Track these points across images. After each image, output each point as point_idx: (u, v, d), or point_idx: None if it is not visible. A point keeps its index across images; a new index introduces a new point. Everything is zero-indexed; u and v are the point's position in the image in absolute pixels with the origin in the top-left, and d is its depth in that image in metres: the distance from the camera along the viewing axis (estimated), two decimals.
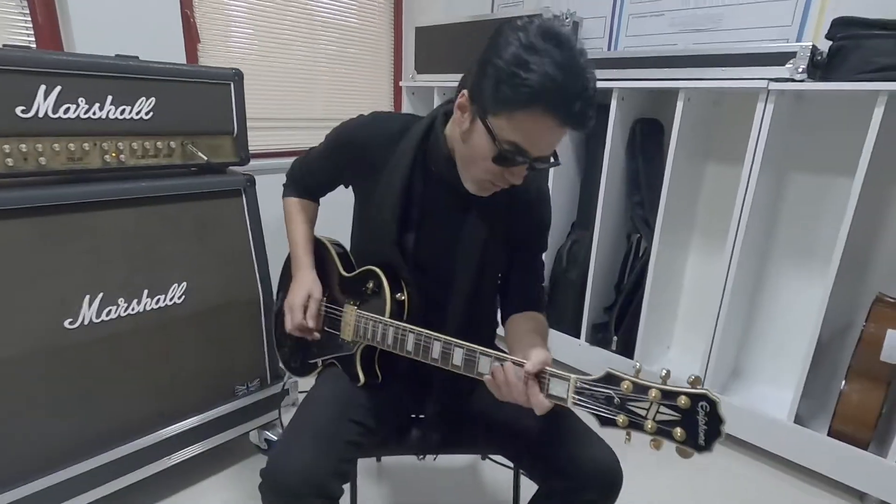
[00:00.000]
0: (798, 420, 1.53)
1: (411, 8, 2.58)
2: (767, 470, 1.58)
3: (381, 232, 0.93)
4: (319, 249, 1.08)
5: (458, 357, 0.79)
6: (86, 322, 1.17)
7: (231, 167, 1.44)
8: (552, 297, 2.09)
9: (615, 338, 1.91)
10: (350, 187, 1.02)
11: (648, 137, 1.87)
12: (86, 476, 1.18)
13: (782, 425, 1.53)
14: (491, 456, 1.57)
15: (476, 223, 0.90)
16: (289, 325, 0.99)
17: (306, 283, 1.00)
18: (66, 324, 1.14)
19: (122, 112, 1.19)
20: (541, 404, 0.69)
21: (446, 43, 2.23)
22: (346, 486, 0.86)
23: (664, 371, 0.63)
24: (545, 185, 0.98)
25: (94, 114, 1.15)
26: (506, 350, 0.86)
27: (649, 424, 0.62)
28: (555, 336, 2.04)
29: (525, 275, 0.98)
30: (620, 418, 0.64)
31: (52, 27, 1.55)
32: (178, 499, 1.38)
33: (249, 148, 1.45)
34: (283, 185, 1.14)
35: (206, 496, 1.39)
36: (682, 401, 0.60)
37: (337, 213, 1.17)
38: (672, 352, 2.06)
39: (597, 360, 1.91)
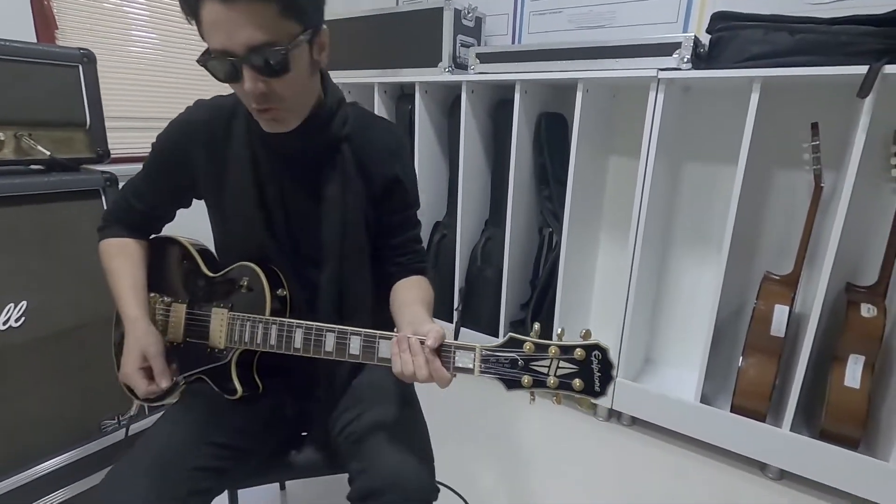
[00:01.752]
0: (704, 399, 1.57)
1: None
2: (677, 451, 1.61)
3: (245, 223, 0.83)
4: (174, 249, 0.93)
5: (355, 345, 0.72)
6: None
7: (86, 165, 1.24)
8: (469, 298, 2.03)
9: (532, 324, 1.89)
10: (195, 194, 0.89)
11: (553, 131, 1.88)
12: None
13: (689, 406, 1.57)
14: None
15: (332, 184, 0.83)
16: (140, 395, 0.83)
17: (137, 341, 0.81)
18: None
19: None
20: (443, 377, 0.66)
21: (348, 37, 2.13)
22: None
23: (560, 329, 0.66)
24: (397, 135, 0.89)
25: None
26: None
27: (552, 380, 0.64)
28: (473, 336, 1.99)
29: (398, 233, 0.90)
30: (525, 378, 0.65)
31: None
32: None
33: (113, 152, 1.27)
34: (99, 228, 0.93)
35: None
36: (578, 353, 0.63)
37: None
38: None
39: None
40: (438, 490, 0.76)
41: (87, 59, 1.17)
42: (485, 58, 1.82)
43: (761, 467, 1.53)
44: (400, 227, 0.90)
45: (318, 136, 0.80)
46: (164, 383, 0.81)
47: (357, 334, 0.72)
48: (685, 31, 1.71)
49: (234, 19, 0.63)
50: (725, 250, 1.46)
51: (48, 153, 1.13)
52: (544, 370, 0.65)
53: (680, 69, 1.42)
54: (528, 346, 0.65)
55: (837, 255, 1.31)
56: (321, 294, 0.84)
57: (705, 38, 1.48)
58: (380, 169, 0.85)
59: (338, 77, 2.19)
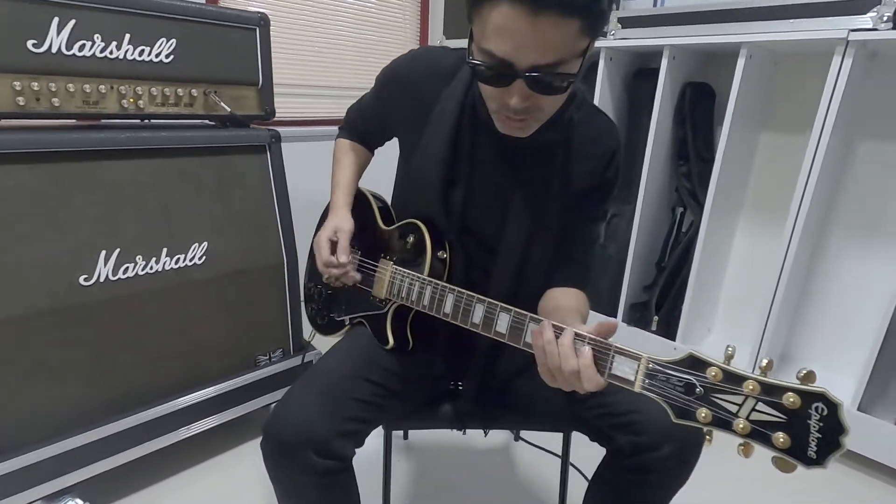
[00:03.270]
0: (862, 407, 1.40)
1: None
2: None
3: (424, 186, 0.83)
4: (358, 199, 0.98)
5: (503, 323, 0.68)
6: (101, 279, 1.09)
7: (254, 122, 1.35)
8: None
9: (655, 318, 1.80)
10: (396, 138, 0.93)
11: (699, 103, 1.73)
12: (98, 444, 1.11)
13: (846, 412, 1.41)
14: (524, 437, 1.48)
15: (530, 180, 0.79)
16: (319, 264, 0.88)
17: (335, 220, 0.90)
18: (80, 280, 1.06)
19: (141, 53, 1.10)
20: (591, 378, 0.56)
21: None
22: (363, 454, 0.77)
23: (765, 360, 0.49)
24: (616, 140, 0.82)
25: (110, 53, 1.06)
26: None
27: (741, 424, 0.49)
28: (590, 316, 1.93)
29: (576, 244, 0.84)
30: (702, 412, 0.51)
31: None
32: (196, 472, 1.31)
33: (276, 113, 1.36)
34: (339, 127, 1.04)
35: (226, 469, 1.32)
36: (790, 399, 0.47)
37: (379, 172, 1.07)
38: (713, 335, 1.94)
39: (635, 342, 1.79)
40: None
41: (264, 21, 1.26)
42: (627, 22, 1.71)
43: None
44: (581, 237, 0.85)
45: (543, 132, 0.73)
46: (343, 258, 0.84)
47: (507, 311, 0.68)
48: None
49: (533, 33, 0.57)
50: None
51: (229, 109, 1.24)
52: (732, 408, 0.50)
53: (878, 30, 1.23)
54: (713, 373, 0.51)
55: None
56: (492, 284, 0.82)
57: None
58: (587, 175, 0.80)
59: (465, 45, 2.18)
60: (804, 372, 0.47)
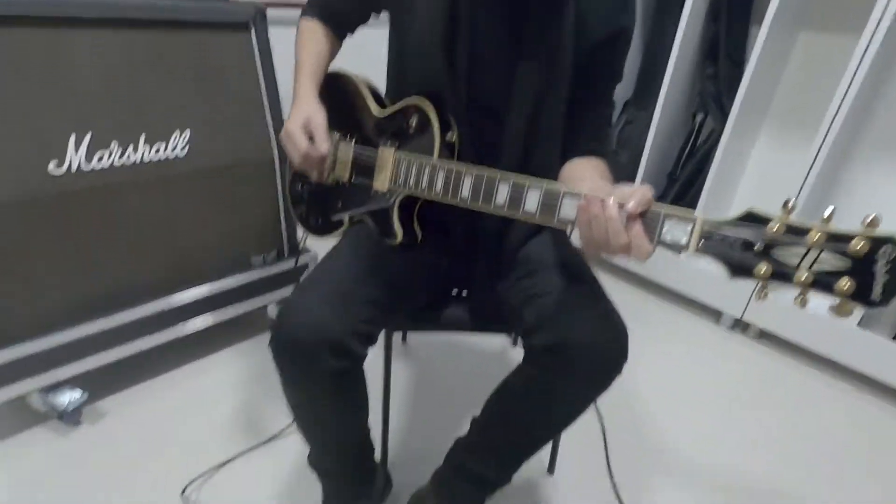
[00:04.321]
0: (863, 323, 1.41)
1: None
2: (824, 378, 1.48)
3: (425, 52, 0.73)
4: (344, 83, 0.86)
5: (532, 201, 0.62)
6: (74, 168, 0.99)
7: None
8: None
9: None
10: (382, 11, 0.81)
11: None
12: (93, 338, 1.09)
13: (843, 328, 1.42)
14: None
15: (538, 31, 0.70)
16: (295, 158, 0.78)
17: (304, 106, 0.79)
18: (51, 168, 0.97)
19: None
20: (644, 248, 0.53)
21: None
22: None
23: (828, 210, 0.48)
24: None
25: None
26: None
27: (802, 275, 0.48)
28: None
29: (592, 108, 0.77)
30: (761, 268, 0.49)
31: None
32: (193, 367, 1.31)
33: None
34: (303, 7, 0.89)
35: (222, 366, 1.33)
36: (858, 245, 0.46)
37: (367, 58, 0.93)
38: None
39: None
40: (627, 357, 0.68)
41: None
42: None
43: None
44: (597, 99, 0.77)
45: None
46: (324, 147, 0.77)
47: (537, 188, 0.61)
48: None
49: None
50: None
51: None
52: (794, 260, 0.49)
53: None
54: (775, 227, 0.49)
55: None
56: (502, 158, 0.74)
57: None
58: (601, 23, 0.70)
59: None
60: (870, 217, 0.46)
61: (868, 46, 1.24)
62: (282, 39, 1.15)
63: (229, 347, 1.39)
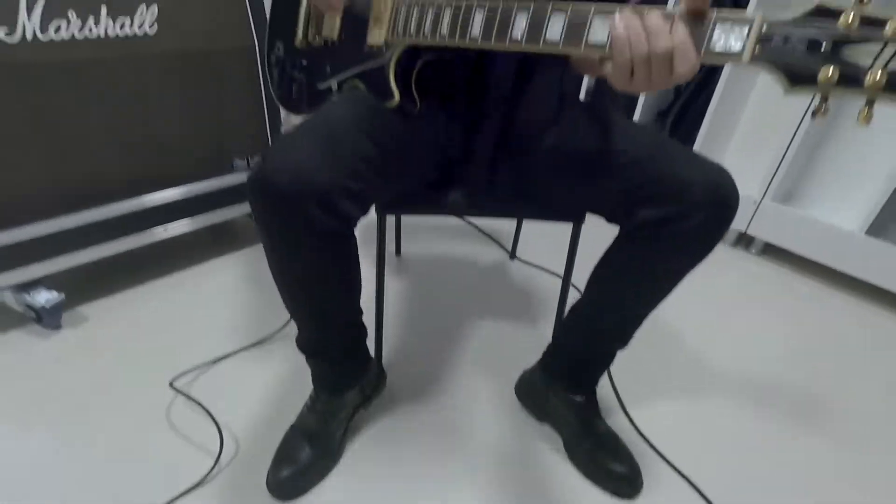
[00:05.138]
0: (872, 231, 1.36)
1: None
2: (832, 292, 1.44)
3: None
4: None
5: (556, 26, 0.53)
6: (29, 36, 0.89)
7: None
8: (598, 97, 1.80)
9: None
10: None
11: None
12: (64, 235, 1.02)
13: (850, 236, 1.37)
14: (520, 256, 1.43)
15: None
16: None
17: None
18: (1, 35, 0.87)
19: None
20: (689, 54, 0.46)
21: None
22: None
23: None
24: None
25: None
26: None
27: (876, 76, 0.40)
28: None
29: None
30: (827, 71, 0.42)
31: None
32: (178, 277, 1.25)
33: None
34: None
35: (209, 276, 1.27)
36: None
37: None
38: (727, 163, 1.83)
39: None
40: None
41: None
42: None
43: None
44: None
45: None
46: None
47: (562, 10, 0.52)
48: None
49: None
50: None
51: None
52: (866, 60, 0.42)
53: None
54: (848, 19, 0.41)
55: None
56: None
57: None
58: None
59: None
60: None
61: None
62: None
63: (215, 258, 1.33)
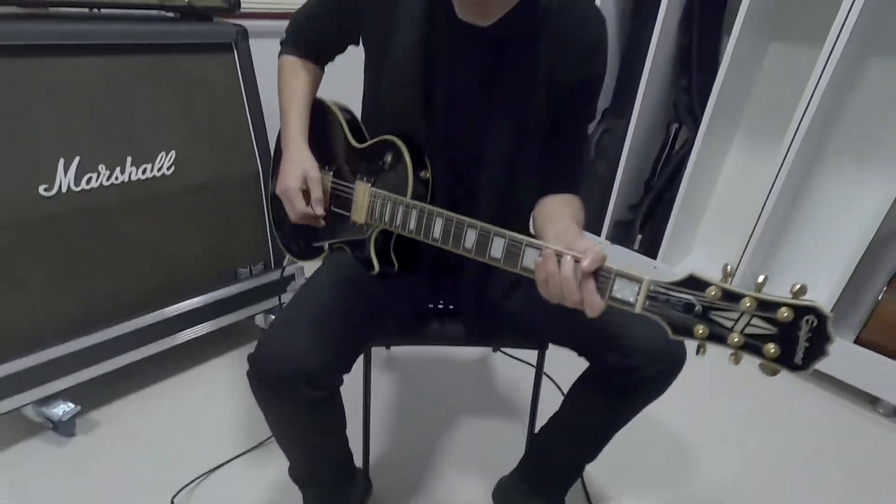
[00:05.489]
0: None
1: None
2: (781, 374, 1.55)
3: (402, 93, 0.76)
4: (322, 114, 0.90)
5: (497, 248, 0.66)
6: (64, 189, 1.03)
7: (218, 16, 1.21)
8: None
9: (639, 237, 1.80)
10: (360, 42, 0.83)
11: (709, 6, 1.59)
12: (84, 352, 1.13)
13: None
14: (503, 349, 1.54)
15: (511, 77, 0.73)
16: (291, 215, 0.83)
17: (299, 161, 0.82)
18: (41, 190, 1.01)
19: None
20: (595, 305, 0.57)
21: None
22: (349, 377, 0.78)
23: (761, 277, 0.52)
24: (600, 27, 0.76)
25: None
26: None
27: (735, 338, 0.52)
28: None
29: (566, 147, 0.81)
30: (700, 328, 0.53)
31: None
32: (183, 378, 1.36)
33: (243, 6, 1.22)
34: (281, 41, 0.92)
35: (212, 375, 1.37)
36: (783, 313, 0.50)
37: (343, 80, 0.96)
38: (695, 253, 1.96)
39: (617, 260, 1.81)
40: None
41: None
42: None
43: (871, 401, 1.46)
44: (570, 139, 0.80)
45: (514, 21, 0.70)
46: (319, 209, 0.81)
47: (502, 236, 0.65)
48: None
49: None
50: None
51: (186, 0, 1.10)
52: (728, 323, 0.53)
53: None
54: (713, 292, 0.53)
55: None
56: (480, 197, 0.79)
57: None
58: (572, 69, 0.73)
59: None
60: (798, 286, 0.50)
61: (829, 57, 1.29)
62: (262, 51, 1.20)
63: (218, 357, 1.43)
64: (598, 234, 1.88)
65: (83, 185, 1.05)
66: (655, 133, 1.80)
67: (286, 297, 1.46)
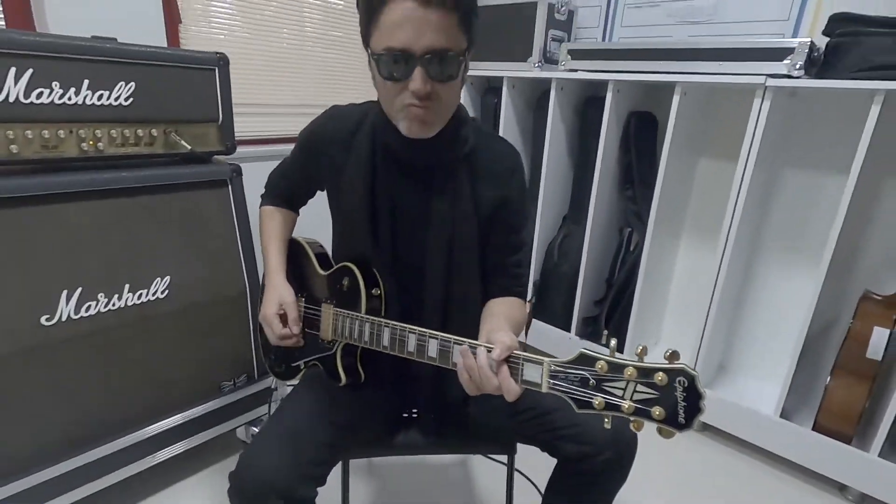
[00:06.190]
0: (784, 414, 1.55)
1: None
2: (753, 463, 1.60)
3: (354, 224, 0.91)
4: (296, 250, 1.05)
5: (433, 348, 0.77)
6: (63, 318, 1.12)
7: (216, 156, 1.39)
8: (543, 292, 2.08)
9: (605, 332, 1.91)
10: (322, 187, 1.01)
11: (643, 131, 1.85)
12: (66, 477, 1.14)
13: (768, 419, 1.55)
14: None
15: (444, 203, 0.88)
16: (272, 339, 0.95)
17: (276, 290, 0.96)
18: (42, 320, 1.09)
19: (100, 97, 1.13)
20: (511, 389, 0.65)
21: None
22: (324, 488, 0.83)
23: (639, 347, 0.59)
24: (515, 159, 0.92)
25: (69, 99, 1.09)
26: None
27: (626, 405, 0.59)
28: (545, 330, 2.04)
29: (499, 256, 0.93)
30: (597, 400, 0.60)
31: (23, 5, 1.46)
32: (164, 496, 1.35)
33: (235, 135, 1.40)
34: (261, 195, 1.11)
35: (192, 493, 1.37)
36: (659, 378, 0.57)
37: (320, 219, 1.11)
38: (661, 346, 2.07)
39: None
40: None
41: (223, 61, 1.30)
42: (577, 54, 1.81)
43: (840, 488, 1.50)
44: (503, 248, 0.93)
45: (445, 150, 0.85)
46: (296, 329, 0.92)
47: (434, 337, 0.76)
48: (797, 30, 1.62)
49: (424, 20, 0.69)
50: (825, 264, 1.41)
51: (189, 147, 1.27)
52: (619, 392, 0.59)
53: (791, 76, 1.37)
54: (600, 366, 0.60)
55: None
56: (425, 305, 0.91)
57: (820, 40, 1.40)
58: (492, 190, 0.89)
59: None
60: (669, 352, 0.57)
61: (745, 168, 1.51)
62: (251, 172, 1.37)
63: (203, 470, 1.43)
64: (568, 331, 1.99)
65: (82, 312, 1.14)
66: (610, 236, 1.99)
67: (273, 406, 1.50)
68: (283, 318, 0.93)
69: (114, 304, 1.19)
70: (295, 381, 1.02)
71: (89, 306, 1.15)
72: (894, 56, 1.22)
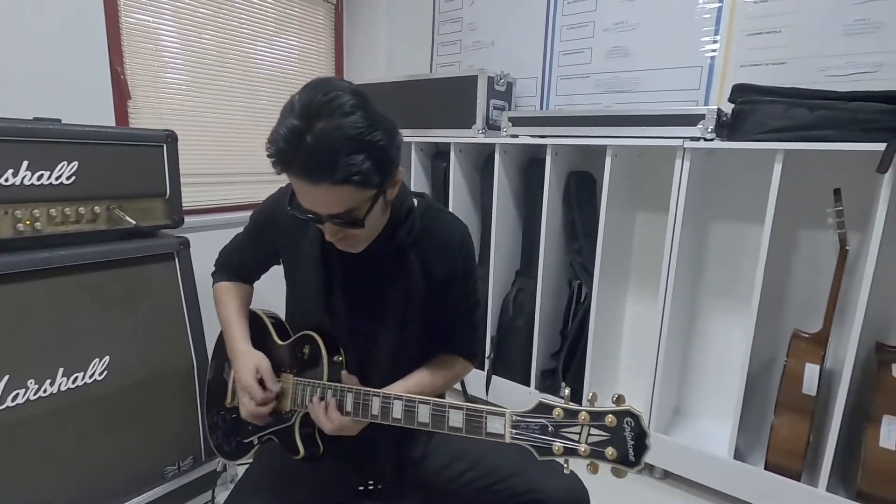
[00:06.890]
0: (738, 455, 1.59)
1: (352, 64, 2.65)
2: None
3: (310, 300, 0.93)
4: (253, 321, 1.05)
5: (397, 409, 0.79)
6: None
7: (163, 230, 1.38)
8: (502, 346, 2.10)
9: (563, 384, 1.94)
10: (277, 261, 1.03)
11: (582, 189, 1.97)
12: None
13: (723, 461, 1.59)
14: None
15: (396, 279, 0.91)
16: (248, 408, 0.91)
17: (249, 357, 0.95)
18: None
19: (39, 178, 1.12)
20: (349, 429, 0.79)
21: (386, 100, 2.28)
22: None
23: (590, 393, 0.65)
24: (461, 232, 0.96)
25: (5, 181, 1.07)
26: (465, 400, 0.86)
27: (583, 448, 0.63)
28: (506, 385, 2.04)
29: (448, 322, 0.98)
30: (556, 446, 0.64)
31: None
32: None
33: (184, 205, 1.40)
34: (212, 273, 1.12)
35: None
36: (609, 420, 0.62)
37: (273, 288, 1.13)
38: (618, 390, 2.10)
39: None
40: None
41: (171, 139, 1.32)
42: (517, 121, 1.95)
43: None
44: (453, 314, 0.97)
45: (385, 245, 0.89)
46: (276, 387, 0.92)
47: (399, 399, 0.79)
48: (707, 97, 1.82)
49: (318, 194, 0.74)
50: (755, 307, 1.51)
51: (134, 222, 1.26)
52: (575, 437, 0.63)
53: (704, 139, 1.52)
54: (557, 413, 0.64)
55: (867, 314, 1.35)
56: (378, 369, 0.92)
57: (727, 106, 1.58)
58: (441, 267, 0.93)
59: None
60: (616, 396, 0.63)
61: (675, 222, 1.62)
62: (201, 241, 1.38)
63: None
64: (528, 385, 2.00)
65: (8, 402, 1.06)
66: (561, 289, 2.06)
67: (220, 490, 1.41)
68: (261, 384, 0.92)
69: (45, 391, 1.12)
70: (245, 460, 0.98)
71: (17, 395, 1.08)
72: (786, 120, 1.39)
